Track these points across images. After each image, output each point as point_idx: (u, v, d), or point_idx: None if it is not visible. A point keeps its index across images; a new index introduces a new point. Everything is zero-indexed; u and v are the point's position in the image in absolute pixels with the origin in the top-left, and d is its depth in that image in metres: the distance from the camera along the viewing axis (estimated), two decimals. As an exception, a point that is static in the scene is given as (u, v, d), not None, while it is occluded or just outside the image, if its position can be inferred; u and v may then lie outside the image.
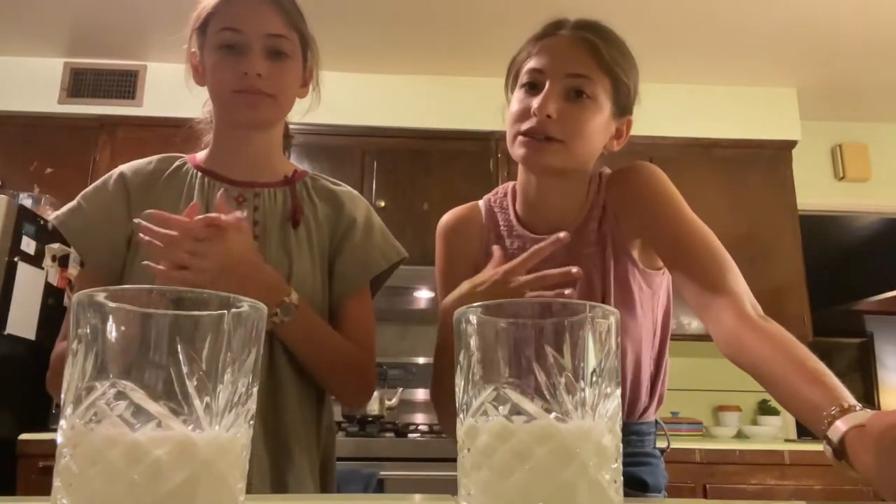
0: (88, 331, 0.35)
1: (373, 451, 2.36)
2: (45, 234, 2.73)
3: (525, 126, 0.95)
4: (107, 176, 1.08)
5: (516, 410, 0.38)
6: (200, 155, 1.14)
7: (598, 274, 0.99)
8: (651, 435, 1.06)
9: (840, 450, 0.63)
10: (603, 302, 0.97)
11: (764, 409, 3.22)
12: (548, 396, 0.38)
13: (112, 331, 0.35)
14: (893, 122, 3.66)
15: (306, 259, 1.05)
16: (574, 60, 0.96)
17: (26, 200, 2.83)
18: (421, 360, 3.13)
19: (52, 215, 1.04)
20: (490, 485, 0.38)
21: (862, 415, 0.63)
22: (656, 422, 1.08)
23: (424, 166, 3.10)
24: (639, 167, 1.00)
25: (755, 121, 3.33)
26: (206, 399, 0.35)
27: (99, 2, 2.87)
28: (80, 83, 3.26)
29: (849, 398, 0.66)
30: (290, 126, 1.19)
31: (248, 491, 0.38)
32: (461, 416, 0.41)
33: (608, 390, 0.39)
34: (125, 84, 3.27)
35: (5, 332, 2.49)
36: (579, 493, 0.37)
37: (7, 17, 2.99)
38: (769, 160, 3.29)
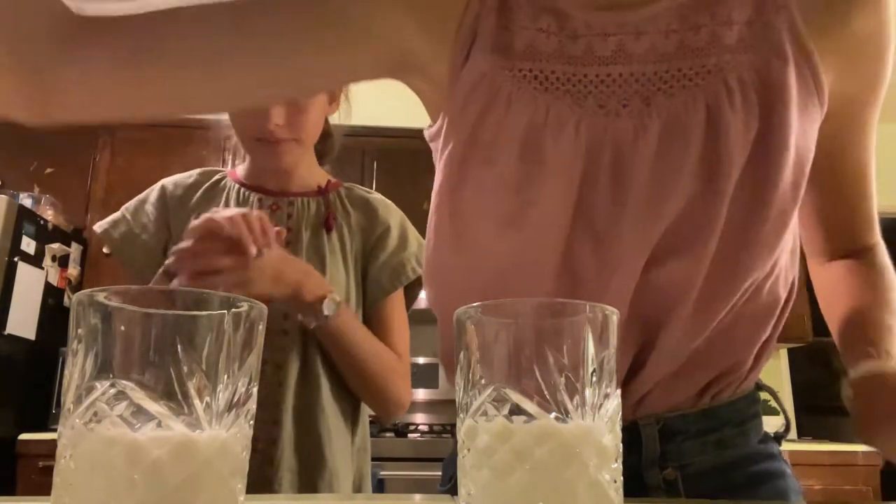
0: (88, 331, 0.35)
1: (373, 450, 2.36)
2: (45, 234, 2.74)
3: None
4: (150, 189, 1.13)
5: (516, 410, 0.38)
6: (240, 169, 1.17)
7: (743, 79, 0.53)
8: (757, 419, 0.70)
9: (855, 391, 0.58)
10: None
11: (764, 409, 3.22)
12: (548, 396, 0.38)
13: (112, 331, 0.35)
14: (893, 122, 3.66)
15: (339, 266, 1.07)
16: None
17: (26, 200, 2.84)
18: (421, 360, 3.13)
19: (97, 224, 1.11)
20: (490, 485, 0.38)
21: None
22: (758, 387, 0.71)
23: (424, 166, 3.08)
24: None
25: (755, 121, 3.33)
26: (206, 399, 0.35)
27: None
28: (80, 83, 3.25)
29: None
30: None
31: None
32: (461, 415, 0.41)
33: (608, 390, 0.39)
34: (125, 84, 3.27)
35: (5, 332, 2.49)
36: (579, 493, 0.37)
37: (7, 17, 2.98)
38: (769, 160, 3.29)
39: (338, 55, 0.59)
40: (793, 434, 3.31)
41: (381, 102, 3.38)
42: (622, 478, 0.39)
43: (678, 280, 0.55)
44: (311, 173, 1.15)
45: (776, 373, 3.40)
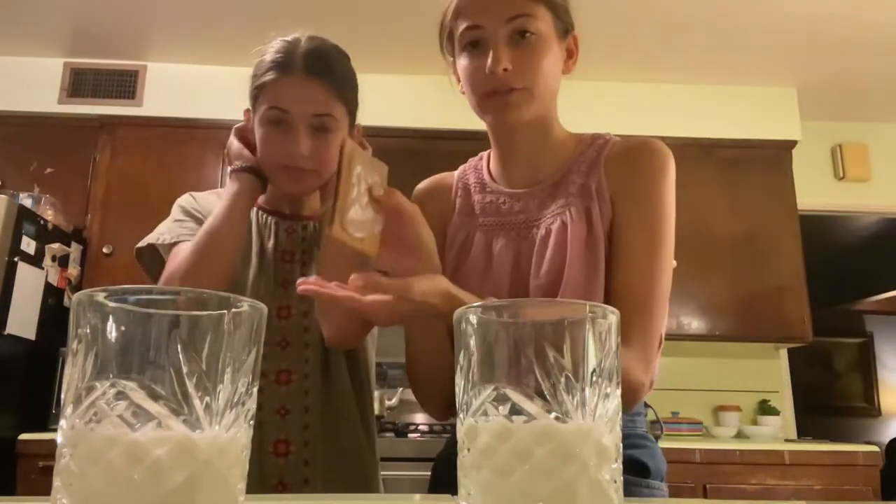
0: (88, 331, 0.35)
1: (373, 451, 2.36)
2: (45, 234, 2.73)
3: (486, 88, 0.95)
4: (176, 206, 1.14)
5: (516, 410, 0.38)
6: (261, 198, 1.19)
7: (582, 221, 0.95)
8: (642, 416, 1.02)
9: None
10: (581, 254, 0.93)
11: (764, 409, 3.22)
12: (548, 396, 0.38)
13: (112, 331, 0.35)
14: (893, 122, 3.66)
15: None
16: (506, 3, 0.93)
17: (26, 200, 2.83)
18: (421, 360, 3.13)
19: (140, 244, 1.12)
20: (490, 485, 0.38)
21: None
22: (646, 404, 1.03)
23: (424, 166, 3.09)
24: (655, 144, 0.98)
25: (755, 121, 3.33)
26: (206, 399, 0.35)
27: (99, 2, 2.86)
28: (80, 83, 3.26)
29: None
30: None
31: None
32: (461, 416, 0.41)
33: (608, 390, 0.39)
34: (125, 84, 3.27)
35: (5, 332, 2.49)
36: (579, 493, 0.37)
37: (7, 17, 2.98)
38: (769, 160, 3.29)
39: None
40: (793, 434, 3.31)
41: (382, 102, 3.38)
42: (622, 478, 0.39)
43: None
44: (317, 196, 1.18)
45: (776, 373, 3.40)
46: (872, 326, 5.02)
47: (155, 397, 0.34)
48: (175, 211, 1.13)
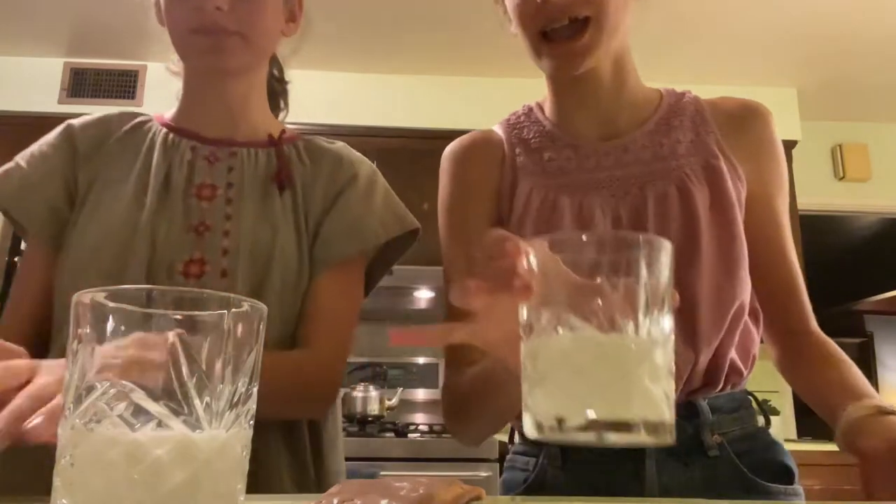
0: (88, 331, 0.35)
1: (373, 450, 2.36)
2: (45, 234, 2.73)
3: (542, 23, 0.78)
4: (52, 131, 0.93)
5: (574, 329, 0.41)
6: (169, 112, 0.96)
7: (703, 184, 0.81)
8: (752, 410, 0.89)
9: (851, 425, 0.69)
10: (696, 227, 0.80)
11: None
12: (603, 319, 0.41)
13: (112, 331, 0.35)
14: (893, 122, 3.66)
15: (291, 229, 0.87)
16: None
17: (26, 200, 2.83)
18: (421, 361, 3.13)
19: None
20: (549, 394, 0.42)
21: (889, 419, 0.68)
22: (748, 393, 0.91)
23: (424, 166, 3.08)
24: (768, 113, 0.89)
25: (755, 121, 3.33)
26: (206, 399, 0.35)
27: (99, 2, 2.86)
28: (80, 83, 3.26)
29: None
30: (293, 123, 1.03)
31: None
32: (524, 337, 0.44)
33: (660, 314, 0.41)
34: (125, 84, 3.27)
35: (5, 332, 2.48)
36: (633, 399, 0.40)
37: (7, 17, 2.98)
38: (769, 160, 3.29)
39: None
40: (793, 434, 3.30)
41: (382, 102, 3.38)
42: (674, 395, 0.42)
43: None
44: (261, 118, 0.94)
45: (776, 373, 3.40)
46: (872, 326, 5.01)
47: (155, 397, 0.34)
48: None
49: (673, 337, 0.42)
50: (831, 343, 0.85)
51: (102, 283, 0.78)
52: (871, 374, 5.00)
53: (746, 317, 0.84)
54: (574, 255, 0.42)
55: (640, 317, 0.41)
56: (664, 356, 0.41)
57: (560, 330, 0.41)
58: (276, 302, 0.82)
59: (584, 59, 0.79)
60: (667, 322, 0.42)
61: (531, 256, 0.44)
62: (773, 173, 0.87)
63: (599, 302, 0.40)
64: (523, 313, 0.44)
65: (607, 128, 0.87)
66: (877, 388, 4.35)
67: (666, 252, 0.42)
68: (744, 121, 0.87)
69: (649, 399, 0.40)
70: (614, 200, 0.82)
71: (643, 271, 0.41)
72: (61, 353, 0.76)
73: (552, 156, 0.87)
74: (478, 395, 0.74)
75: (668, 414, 0.40)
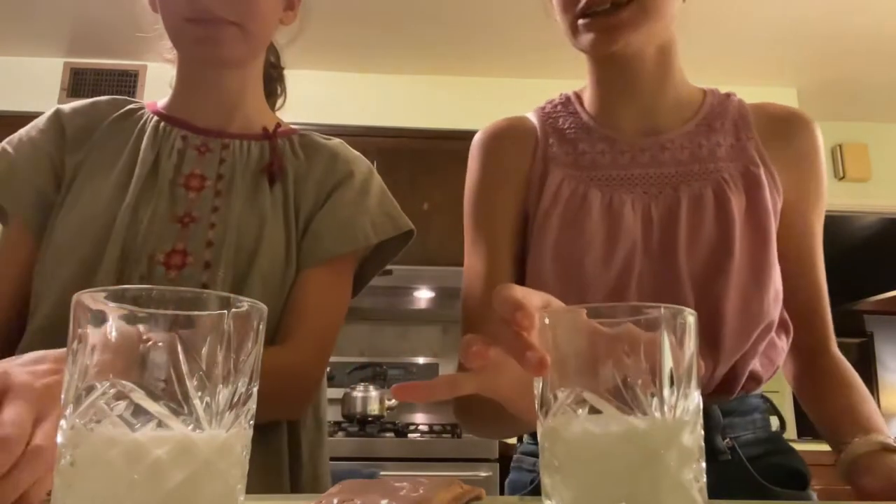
0: (88, 330, 0.35)
1: (373, 451, 2.36)
2: (45, 234, 2.73)
3: (585, 7, 0.76)
4: (41, 116, 0.90)
5: (595, 411, 0.38)
6: (162, 101, 0.94)
7: (740, 189, 0.80)
8: (767, 413, 0.91)
9: (853, 460, 0.71)
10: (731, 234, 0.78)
11: (766, 409, 3.22)
12: (626, 398, 0.38)
13: (112, 331, 0.35)
14: (893, 122, 3.66)
15: (279, 223, 0.85)
16: None
17: (26, 200, 2.83)
18: (421, 360, 3.13)
19: None
20: (572, 485, 0.39)
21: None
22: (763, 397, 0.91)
23: (424, 166, 3.10)
24: (813, 124, 0.87)
25: (755, 121, 3.33)
26: (206, 399, 0.35)
27: (99, 2, 2.87)
28: (80, 83, 3.26)
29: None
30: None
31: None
32: (541, 416, 0.41)
33: (687, 390, 0.39)
34: (125, 84, 3.27)
35: (5, 332, 2.48)
36: (662, 493, 0.37)
37: (7, 17, 2.98)
38: (769, 160, 3.29)
39: None
40: (793, 434, 3.30)
41: (382, 102, 3.38)
42: (705, 478, 0.39)
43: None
44: (256, 110, 0.92)
45: (778, 374, 3.40)
46: (872, 326, 5.01)
47: (155, 397, 0.34)
48: None
49: (701, 416, 0.40)
50: (848, 367, 0.85)
51: (79, 269, 0.79)
52: (870, 374, 5.00)
53: (773, 332, 0.83)
54: (593, 325, 0.39)
55: (666, 394, 0.38)
56: (693, 436, 0.39)
57: (579, 411, 0.38)
58: (259, 294, 0.80)
59: (621, 34, 0.75)
60: (694, 398, 0.39)
61: (546, 324, 0.41)
62: (811, 186, 0.87)
63: (620, 379, 0.38)
64: (538, 387, 0.41)
65: (647, 121, 0.85)
66: (877, 388, 4.34)
67: (692, 321, 0.40)
68: (788, 129, 0.85)
69: (679, 488, 0.37)
70: (647, 198, 0.80)
71: (667, 343, 0.38)
72: (35, 335, 0.78)
73: (585, 148, 0.85)
74: (490, 420, 0.73)
75: (699, 500, 0.38)
